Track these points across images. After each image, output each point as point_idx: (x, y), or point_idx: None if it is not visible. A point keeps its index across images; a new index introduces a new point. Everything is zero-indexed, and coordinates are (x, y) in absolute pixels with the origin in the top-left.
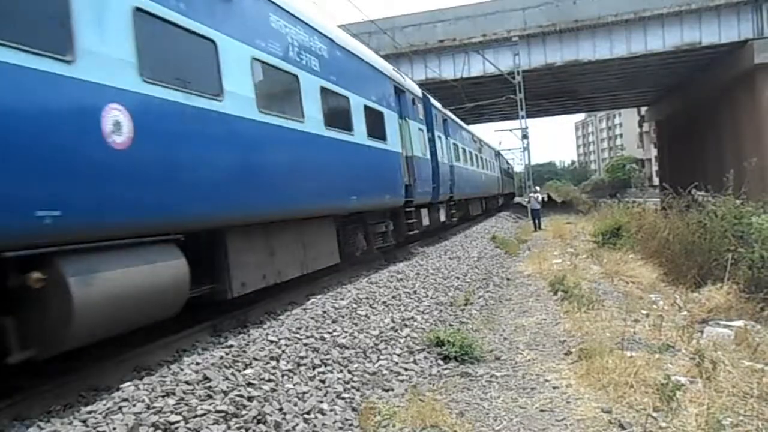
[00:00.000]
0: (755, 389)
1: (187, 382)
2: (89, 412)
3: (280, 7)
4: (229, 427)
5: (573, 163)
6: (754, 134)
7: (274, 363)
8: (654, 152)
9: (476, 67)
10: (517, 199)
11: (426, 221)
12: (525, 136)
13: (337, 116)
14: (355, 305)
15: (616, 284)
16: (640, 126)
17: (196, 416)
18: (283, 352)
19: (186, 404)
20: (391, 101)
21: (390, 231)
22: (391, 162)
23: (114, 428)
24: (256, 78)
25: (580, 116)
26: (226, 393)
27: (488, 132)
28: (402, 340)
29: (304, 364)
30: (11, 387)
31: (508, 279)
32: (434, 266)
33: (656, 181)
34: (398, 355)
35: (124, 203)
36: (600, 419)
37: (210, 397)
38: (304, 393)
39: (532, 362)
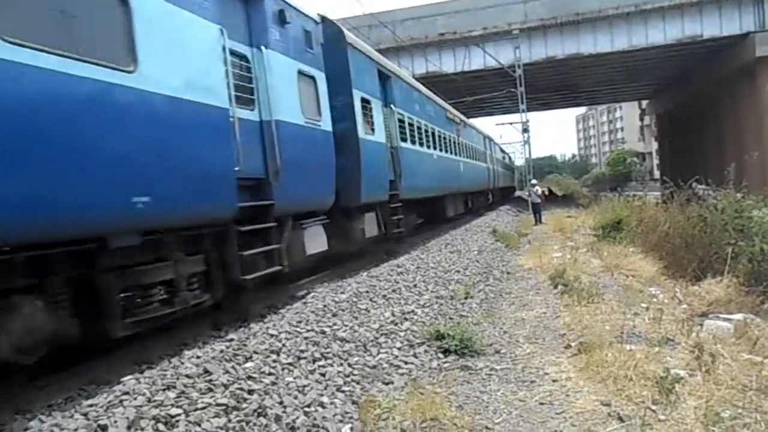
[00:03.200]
0: (754, 382)
1: (187, 376)
2: (90, 406)
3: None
4: (229, 420)
5: (574, 156)
6: (755, 127)
7: (274, 356)
8: (655, 146)
9: (477, 60)
10: (517, 193)
11: None
12: (525, 130)
13: None
14: (355, 299)
15: (616, 278)
16: (641, 119)
17: (197, 409)
18: (284, 345)
19: (187, 397)
20: None
21: None
22: None
23: (115, 421)
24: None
25: (581, 110)
26: (226, 386)
27: (489, 125)
28: (402, 334)
29: (305, 358)
30: (12, 380)
31: (508, 273)
32: (435, 260)
33: (657, 174)
34: (398, 349)
35: None
36: (599, 412)
37: (210, 390)
38: (304, 386)
39: (532, 355)
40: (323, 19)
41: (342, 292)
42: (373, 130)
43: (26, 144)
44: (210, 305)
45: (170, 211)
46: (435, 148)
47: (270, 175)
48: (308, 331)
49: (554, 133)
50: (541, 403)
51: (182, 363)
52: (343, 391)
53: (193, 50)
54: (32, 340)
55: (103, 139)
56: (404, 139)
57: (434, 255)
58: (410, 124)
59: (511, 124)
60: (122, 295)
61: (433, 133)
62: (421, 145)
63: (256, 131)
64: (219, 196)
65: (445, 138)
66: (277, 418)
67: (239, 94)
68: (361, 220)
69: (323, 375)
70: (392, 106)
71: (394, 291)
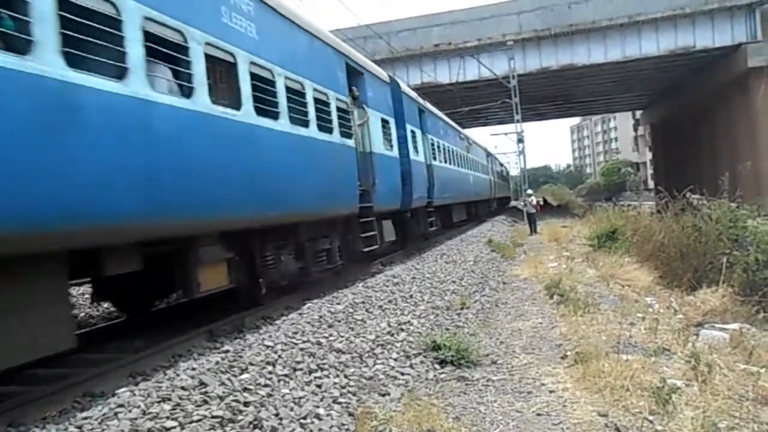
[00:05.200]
0: (751, 392)
1: (183, 388)
2: (85, 418)
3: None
4: None
5: (568, 166)
6: (747, 137)
7: (270, 368)
8: (649, 155)
9: (472, 71)
10: (512, 203)
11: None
12: (520, 140)
13: None
14: (351, 309)
15: (611, 287)
16: (635, 129)
17: (192, 422)
18: (280, 357)
19: (182, 410)
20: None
21: None
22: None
23: None
24: None
25: (576, 120)
26: (222, 398)
27: (484, 136)
28: (398, 345)
29: (301, 369)
30: (6, 393)
31: (504, 283)
32: (430, 270)
33: (651, 184)
34: (395, 360)
35: None
36: (596, 423)
37: (206, 402)
38: (300, 398)
39: (529, 366)
40: None
41: (338, 303)
42: None
43: None
44: None
45: None
46: None
47: None
48: (304, 342)
49: (549, 143)
50: (539, 414)
51: (177, 375)
52: (339, 403)
53: None
54: None
55: None
56: None
57: (430, 265)
58: None
59: (506, 134)
60: None
61: None
62: None
63: None
64: None
65: None
66: (273, 431)
67: None
68: None
69: (319, 386)
70: None
71: (390, 301)
